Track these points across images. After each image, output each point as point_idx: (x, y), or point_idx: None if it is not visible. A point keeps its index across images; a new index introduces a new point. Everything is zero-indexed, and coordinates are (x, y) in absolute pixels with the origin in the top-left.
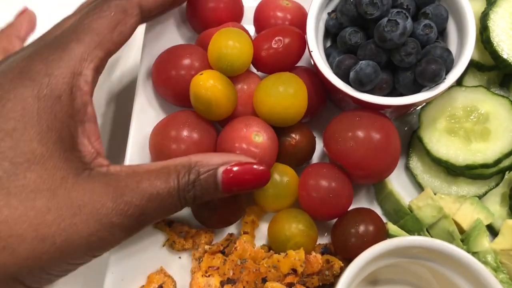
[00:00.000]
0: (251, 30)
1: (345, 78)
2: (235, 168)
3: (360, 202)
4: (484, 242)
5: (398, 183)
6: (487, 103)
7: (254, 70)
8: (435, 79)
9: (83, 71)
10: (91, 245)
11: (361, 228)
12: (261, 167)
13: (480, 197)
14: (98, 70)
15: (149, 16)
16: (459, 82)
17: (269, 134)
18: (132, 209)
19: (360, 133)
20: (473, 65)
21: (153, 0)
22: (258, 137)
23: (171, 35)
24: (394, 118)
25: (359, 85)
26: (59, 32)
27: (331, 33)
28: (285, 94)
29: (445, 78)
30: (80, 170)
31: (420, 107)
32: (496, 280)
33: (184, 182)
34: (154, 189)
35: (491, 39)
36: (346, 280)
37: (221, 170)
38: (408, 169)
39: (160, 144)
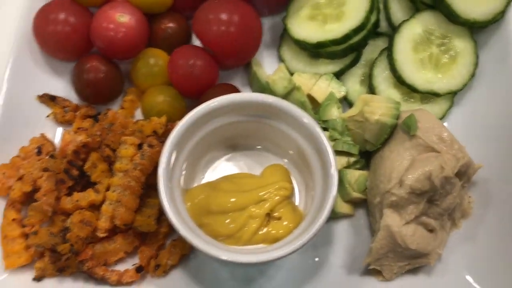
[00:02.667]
0: None
1: None
2: None
3: (234, 84)
4: (334, 111)
5: (271, 70)
6: None
7: None
8: None
9: None
10: None
11: None
12: None
13: (337, 75)
14: None
15: None
16: None
17: (136, 17)
18: None
19: (220, 15)
20: None
21: None
22: (123, 17)
23: None
24: (271, 14)
25: None
26: None
27: None
28: None
29: None
30: None
31: None
32: (316, 124)
33: None
34: None
35: None
36: (186, 123)
37: None
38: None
39: (40, 27)
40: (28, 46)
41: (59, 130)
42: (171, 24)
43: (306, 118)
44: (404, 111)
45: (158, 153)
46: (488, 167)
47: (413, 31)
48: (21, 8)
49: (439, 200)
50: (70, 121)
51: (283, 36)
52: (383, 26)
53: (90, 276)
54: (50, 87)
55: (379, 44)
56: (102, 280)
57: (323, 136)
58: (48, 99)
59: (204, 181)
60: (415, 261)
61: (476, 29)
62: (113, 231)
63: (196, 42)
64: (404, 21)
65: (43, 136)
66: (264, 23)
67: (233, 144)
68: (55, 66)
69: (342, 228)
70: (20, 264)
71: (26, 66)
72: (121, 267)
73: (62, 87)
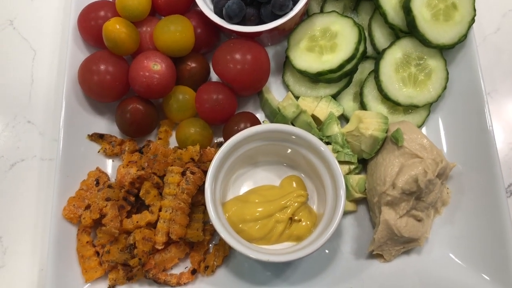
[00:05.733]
0: None
1: (222, 16)
2: None
3: (249, 109)
4: (334, 128)
5: (278, 94)
6: (337, 23)
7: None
8: (283, 8)
9: None
10: None
11: (242, 126)
12: None
13: (334, 96)
14: None
15: None
16: (321, 10)
17: (166, 63)
18: None
19: (235, 55)
20: None
21: None
22: (156, 66)
23: None
24: (274, 44)
25: (229, 19)
26: None
27: None
28: (174, 31)
29: (292, 8)
30: None
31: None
32: (330, 152)
33: None
34: None
35: None
36: (221, 153)
37: None
38: (284, 82)
39: (85, 77)
40: (74, 93)
41: (109, 162)
42: (194, 65)
43: (323, 147)
44: (392, 123)
45: (199, 178)
46: (460, 161)
47: (394, 56)
48: (67, 61)
49: (425, 197)
50: (117, 154)
51: (285, 64)
52: (369, 50)
53: (154, 281)
54: (96, 126)
55: (366, 66)
56: (164, 283)
57: (335, 163)
58: (97, 137)
59: (235, 194)
60: (408, 245)
61: (446, 50)
62: (167, 243)
63: (214, 75)
64: (386, 48)
65: (98, 169)
66: (268, 51)
67: (254, 161)
68: (98, 107)
69: (348, 222)
70: (96, 277)
71: (76, 111)
72: (176, 271)
73: (105, 124)
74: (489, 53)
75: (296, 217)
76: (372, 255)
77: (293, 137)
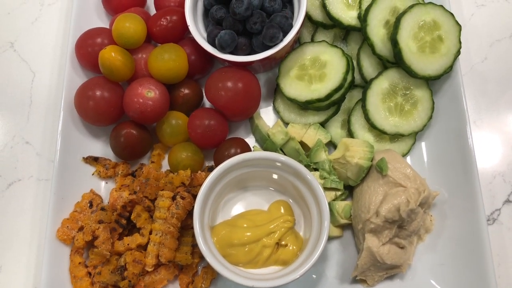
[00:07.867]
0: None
1: (215, 45)
2: None
3: (240, 134)
4: (322, 155)
5: (268, 119)
6: (326, 53)
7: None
8: (273, 40)
9: None
10: None
11: (232, 151)
12: None
13: (322, 123)
14: None
15: None
16: (312, 39)
17: (160, 90)
18: None
19: (227, 83)
20: (319, 25)
21: None
22: (150, 93)
23: (92, 18)
24: (265, 71)
25: (221, 48)
26: None
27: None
28: (168, 60)
29: (282, 40)
30: None
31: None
32: (317, 181)
33: None
34: None
35: (326, 3)
36: (210, 180)
37: None
38: (275, 108)
39: (81, 102)
40: (71, 117)
41: (103, 184)
42: (187, 91)
43: (309, 175)
44: (377, 152)
45: (189, 203)
46: (443, 189)
47: (381, 86)
48: (64, 85)
49: (407, 226)
50: (111, 176)
51: (276, 90)
52: (357, 79)
53: None
54: (91, 148)
55: (354, 94)
56: None
57: (321, 191)
58: (92, 160)
59: (224, 217)
60: (391, 271)
61: (431, 80)
62: (156, 265)
63: (207, 100)
64: (373, 78)
65: (92, 191)
66: (260, 78)
67: (244, 186)
68: (94, 131)
69: (334, 247)
70: None
71: (72, 134)
72: None
73: (100, 147)
74: (476, 82)
75: (283, 242)
76: (356, 280)
77: (281, 164)
